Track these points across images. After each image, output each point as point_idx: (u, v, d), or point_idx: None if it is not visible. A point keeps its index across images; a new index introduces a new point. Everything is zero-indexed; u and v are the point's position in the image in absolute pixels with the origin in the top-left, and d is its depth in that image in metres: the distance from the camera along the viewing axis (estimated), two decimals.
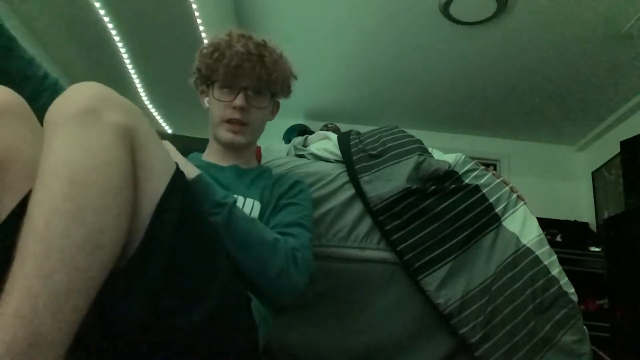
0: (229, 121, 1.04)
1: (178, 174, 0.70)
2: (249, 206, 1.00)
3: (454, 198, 1.25)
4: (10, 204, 0.61)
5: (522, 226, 1.27)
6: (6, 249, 0.53)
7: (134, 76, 2.91)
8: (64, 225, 0.53)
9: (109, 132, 0.59)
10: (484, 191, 1.28)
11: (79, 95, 0.61)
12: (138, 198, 0.63)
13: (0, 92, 0.68)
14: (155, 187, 0.65)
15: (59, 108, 0.60)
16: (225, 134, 1.05)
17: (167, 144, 0.90)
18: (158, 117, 3.38)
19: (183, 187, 0.71)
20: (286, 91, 1.16)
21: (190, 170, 0.87)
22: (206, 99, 1.11)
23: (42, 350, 0.48)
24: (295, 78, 1.16)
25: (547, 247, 1.26)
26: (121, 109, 0.63)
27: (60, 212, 0.53)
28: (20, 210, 0.58)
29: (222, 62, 1.01)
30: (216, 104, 1.06)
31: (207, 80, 1.08)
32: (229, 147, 1.08)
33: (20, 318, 0.48)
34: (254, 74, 1.03)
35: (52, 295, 0.50)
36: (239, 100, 1.02)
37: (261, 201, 1.02)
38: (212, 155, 1.12)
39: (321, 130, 2.59)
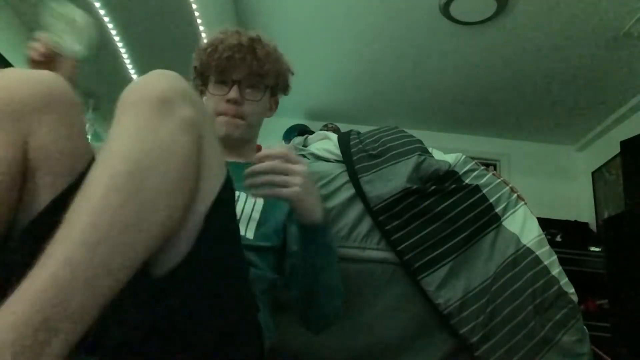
0: (224, 114, 1.03)
1: (229, 180, 0.69)
2: (251, 203, 0.99)
3: (454, 198, 1.25)
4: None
5: (523, 226, 1.27)
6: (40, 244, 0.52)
7: (134, 76, 2.91)
8: (121, 200, 0.52)
9: (181, 124, 0.59)
10: (484, 191, 1.28)
11: (159, 83, 0.61)
12: (194, 195, 0.62)
13: (45, 78, 0.66)
14: (211, 188, 0.64)
15: (137, 90, 0.60)
16: (220, 128, 1.04)
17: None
18: None
19: (231, 193, 0.70)
20: (283, 86, 1.14)
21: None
22: (205, 98, 1.10)
23: (64, 321, 0.46)
24: (292, 73, 1.15)
25: (547, 247, 1.26)
26: (194, 105, 0.63)
27: (119, 188, 0.52)
28: (57, 205, 0.57)
29: (215, 56, 1.02)
30: (211, 99, 1.05)
31: (202, 76, 1.08)
32: (226, 142, 1.05)
33: (55, 283, 0.46)
34: (245, 65, 1.02)
35: (92, 267, 0.48)
36: (233, 93, 1.02)
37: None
38: None
39: (321, 130, 2.59)
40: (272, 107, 1.17)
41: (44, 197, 0.63)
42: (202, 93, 1.11)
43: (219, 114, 1.04)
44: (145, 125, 0.57)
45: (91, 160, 0.67)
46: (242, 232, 0.93)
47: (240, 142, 1.08)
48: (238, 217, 0.95)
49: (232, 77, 1.03)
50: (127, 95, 0.60)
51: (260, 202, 0.99)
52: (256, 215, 0.98)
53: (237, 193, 0.95)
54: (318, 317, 0.93)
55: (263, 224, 0.97)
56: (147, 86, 0.60)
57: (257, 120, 1.10)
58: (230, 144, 1.06)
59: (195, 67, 1.09)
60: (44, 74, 0.66)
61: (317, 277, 0.87)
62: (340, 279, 0.92)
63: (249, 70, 1.04)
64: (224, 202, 0.66)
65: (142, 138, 0.56)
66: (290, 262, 0.97)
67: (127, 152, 0.55)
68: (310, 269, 0.87)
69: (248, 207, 0.98)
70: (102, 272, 0.49)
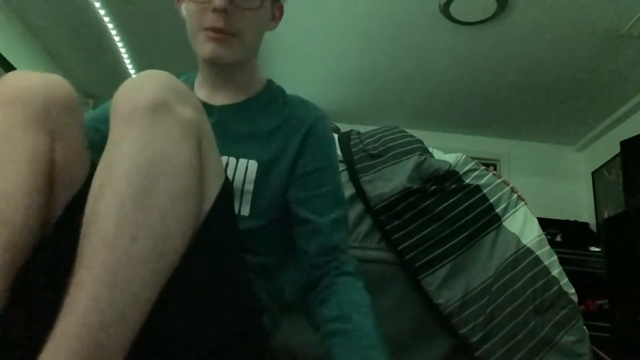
0: (209, 29, 0.79)
1: (227, 184, 0.65)
2: (242, 169, 0.81)
3: (455, 198, 1.25)
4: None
5: (523, 226, 1.27)
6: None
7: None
8: (133, 234, 0.50)
9: (180, 129, 0.55)
10: (485, 191, 1.29)
11: (149, 86, 0.56)
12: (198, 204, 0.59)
13: (62, 80, 0.63)
14: (210, 193, 0.61)
15: (128, 99, 0.56)
16: (204, 46, 0.79)
17: None
18: None
19: (230, 197, 0.66)
20: None
21: None
22: (184, 7, 0.85)
23: None
24: None
25: (548, 247, 1.26)
26: (190, 103, 0.59)
27: (130, 219, 0.50)
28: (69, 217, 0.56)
29: None
30: (192, 9, 0.80)
31: None
32: (213, 69, 0.85)
33: (87, 328, 0.46)
34: None
35: (119, 306, 0.48)
36: (219, 1, 0.76)
37: (268, 148, 0.83)
38: (201, 84, 0.90)
39: None
40: (276, 16, 0.91)
41: (58, 202, 0.61)
42: (179, 0, 0.88)
43: (203, 28, 0.79)
44: (145, 141, 0.53)
45: (90, 169, 0.65)
46: (236, 209, 0.79)
47: (233, 67, 0.85)
48: None
49: None
50: (120, 107, 0.56)
51: (252, 169, 0.82)
52: (249, 186, 0.81)
53: (225, 158, 0.80)
54: None
55: (259, 196, 0.81)
56: (137, 93, 0.56)
57: (256, 35, 0.85)
58: (219, 70, 0.85)
59: None
60: (57, 77, 0.64)
61: None
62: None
63: None
64: (224, 207, 0.64)
65: (145, 159, 0.53)
66: (299, 230, 0.83)
67: (128, 173, 0.52)
68: None
69: (239, 177, 0.81)
70: (129, 308, 0.49)
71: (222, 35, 0.79)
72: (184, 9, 0.84)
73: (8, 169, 0.55)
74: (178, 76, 0.89)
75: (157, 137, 0.54)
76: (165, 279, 0.53)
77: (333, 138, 0.92)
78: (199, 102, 0.63)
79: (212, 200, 0.60)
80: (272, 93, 0.92)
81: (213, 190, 0.61)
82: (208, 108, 0.75)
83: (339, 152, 1.39)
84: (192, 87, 0.90)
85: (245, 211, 0.80)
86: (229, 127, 0.84)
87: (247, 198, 0.81)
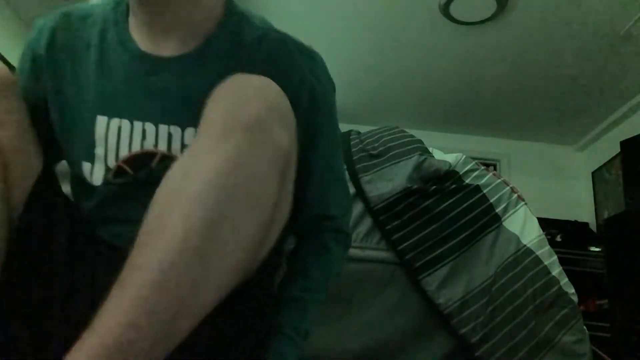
0: None
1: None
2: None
3: (455, 198, 1.25)
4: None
5: (523, 226, 1.27)
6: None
7: None
8: (189, 262, 0.44)
9: (272, 156, 0.50)
10: (485, 191, 1.28)
11: (254, 100, 0.50)
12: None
13: None
14: (276, 232, 0.57)
15: (225, 113, 0.49)
16: None
17: None
18: None
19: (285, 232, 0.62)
20: None
21: None
22: None
23: None
24: None
25: (548, 247, 1.26)
26: (288, 127, 0.53)
27: (191, 247, 0.44)
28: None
29: None
30: None
31: None
32: (147, 8, 0.64)
33: (118, 351, 0.42)
34: None
35: (153, 332, 0.43)
36: None
37: None
38: (137, 31, 0.67)
39: None
40: None
41: (17, 191, 0.56)
42: None
43: None
44: (231, 160, 0.47)
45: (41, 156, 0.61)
46: None
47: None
48: None
49: None
50: (214, 119, 0.49)
51: None
52: None
53: (191, 130, 0.64)
54: None
55: None
56: (243, 106, 0.49)
57: None
58: (153, 4, 0.64)
59: None
60: None
61: None
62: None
63: None
64: (281, 241, 0.59)
65: (225, 178, 0.46)
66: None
67: (207, 194, 0.45)
68: None
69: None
70: (162, 336, 0.44)
71: None
72: None
73: None
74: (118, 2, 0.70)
75: (245, 162, 0.47)
76: (207, 312, 0.48)
77: (333, 85, 0.81)
78: (294, 123, 0.55)
79: (275, 231, 0.57)
80: (232, 29, 0.69)
81: (279, 223, 0.57)
82: (155, 61, 0.65)
83: None
84: (126, 31, 0.68)
85: None
86: (187, 86, 0.65)
87: None
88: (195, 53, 0.66)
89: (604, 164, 3.66)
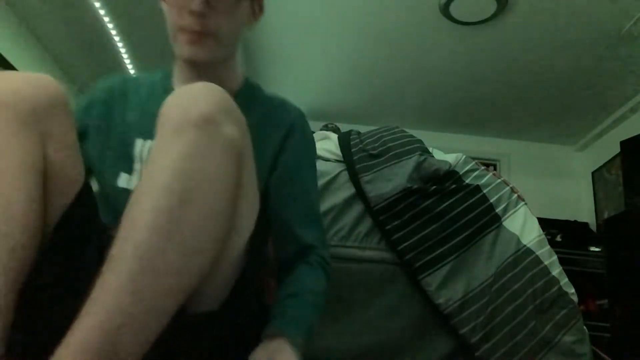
0: (187, 30, 0.78)
1: (261, 213, 0.66)
2: None
3: (455, 198, 1.25)
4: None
5: (523, 226, 1.27)
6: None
7: None
8: (163, 246, 0.51)
9: (225, 147, 0.56)
10: (485, 191, 1.28)
11: (203, 101, 0.57)
12: (231, 227, 0.60)
13: (36, 83, 0.61)
14: (247, 221, 0.62)
15: (180, 110, 0.56)
16: (182, 47, 0.80)
17: None
18: None
19: (263, 217, 0.67)
20: None
21: None
22: (164, 6, 0.85)
23: None
24: None
25: (548, 247, 1.26)
26: (238, 122, 0.60)
27: (162, 231, 0.51)
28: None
29: None
30: (170, 9, 0.80)
31: None
32: (192, 67, 0.84)
33: (103, 332, 0.47)
34: None
35: (139, 314, 0.48)
36: (196, 5, 0.75)
37: None
38: (179, 78, 0.89)
39: (321, 130, 2.59)
40: (256, 12, 0.90)
41: (56, 205, 0.60)
42: None
43: (180, 29, 0.79)
44: (188, 150, 0.54)
45: (85, 172, 0.65)
46: None
47: (211, 66, 0.84)
48: None
49: None
50: (170, 117, 0.56)
51: None
52: None
53: None
54: None
55: None
56: (191, 105, 0.56)
57: (233, 35, 0.84)
58: (198, 69, 0.84)
59: None
60: (44, 77, 0.62)
61: None
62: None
63: None
64: (260, 237, 0.65)
65: (188, 172, 0.53)
66: (275, 229, 0.85)
67: (168, 184, 0.53)
68: None
69: None
70: (147, 318, 0.49)
71: (199, 36, 0.78)
72: (164, 7, 0.84)
73: (2, 179, 0.54)
74: (168, 72, 0.91)
75: (202, 153, 0.54)
76: (189, 293, 0.53)
77: (313, 137, 0.96)
78: (245, 122, 0.63)
79: (250, 228, 0.62)
80: (249, 90, 0.92)
81: (251, 218, 0.63)
82: None
83: (339, 152, 1.39)
84: (170, 83, 0.89)
85: None
86: None
87: None
88: None
89: (604, 164, 3.66)
